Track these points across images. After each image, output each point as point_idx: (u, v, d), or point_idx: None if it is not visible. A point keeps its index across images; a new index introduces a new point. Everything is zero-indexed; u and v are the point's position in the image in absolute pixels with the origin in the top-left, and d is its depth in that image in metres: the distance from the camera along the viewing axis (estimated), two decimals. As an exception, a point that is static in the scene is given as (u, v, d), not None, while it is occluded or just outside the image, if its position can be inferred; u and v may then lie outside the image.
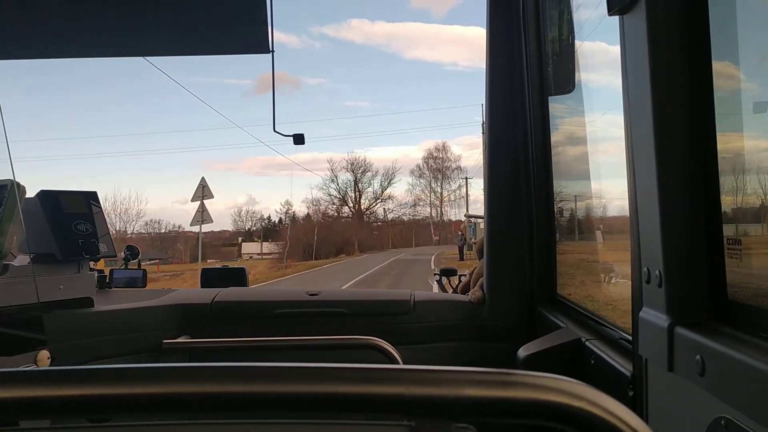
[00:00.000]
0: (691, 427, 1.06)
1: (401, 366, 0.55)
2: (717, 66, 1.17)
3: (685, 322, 1.11)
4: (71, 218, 2.50)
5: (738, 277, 1.10)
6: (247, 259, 54.71)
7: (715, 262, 1.12)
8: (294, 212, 66.26)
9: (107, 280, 3.42)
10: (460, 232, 39.50)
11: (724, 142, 1.17)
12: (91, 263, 2.73)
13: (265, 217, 69.51)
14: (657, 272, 1.17)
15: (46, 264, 2.41)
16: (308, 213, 67.50)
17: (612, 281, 2.94)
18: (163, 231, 62.83)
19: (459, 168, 72.93)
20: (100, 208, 2.66)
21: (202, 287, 3.46)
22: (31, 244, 2.43)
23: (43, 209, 2.46)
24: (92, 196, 2.66)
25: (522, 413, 0.51)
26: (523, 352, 1.98)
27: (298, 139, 2.83)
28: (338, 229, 63.21)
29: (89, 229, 2.54)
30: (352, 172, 72.02)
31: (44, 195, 2.50)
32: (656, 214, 1.16)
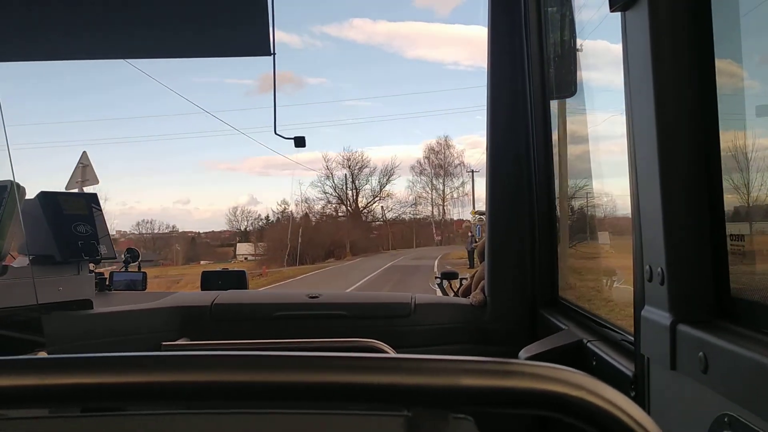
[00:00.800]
0: (694, 425, 1.04)
1: (397, 355, 0.54)
2: (720, 62, 1.16)
3: (688, 319, 1.10)
4: (71, 220, 2.50)
5: (741, 273, 1.09)
6: (242, 261, 53.06)
7: (717, 259, 1.11)
8: (291, 211, 63.19)
9: (107, 283, 3.41)
10: (470, 233, 33.97)
11: (727, 139, 1.16)
12: (91, 265, 2.72)
13: (263, 216, 67.16)
14: (659, 270, 1.16)
15: (45, 265, 2.40)
16: (306, 212, 64.54)
17: (615, 285, 2.92)
18: (156, 231, 62.39)
19: (462, 164, 68.74)
20: (101, 210, 2.66)
21: (202, 290, 3.46)
22: (30, 246, 2.43)
23: (42, 210, 2.45)
24: (92, 198, 2.66)
25: (520, 403, 0.50)
26: (524, 354, 1.96)
27: (299, 142, 2.81)
28: (328, 230, 58.68)
29: (89, 231, 2.53)
30: (349, 168, 68.02)
31: (44, 196, 2.50)
32: (658, 211, 1.15)
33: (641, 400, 1.30)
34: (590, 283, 2.91)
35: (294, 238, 44.47)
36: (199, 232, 67.80)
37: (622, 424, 0.49)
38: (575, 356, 1.81)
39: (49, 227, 2.44)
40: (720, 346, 0.97)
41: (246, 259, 53.84)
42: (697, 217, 1.14)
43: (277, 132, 2.70)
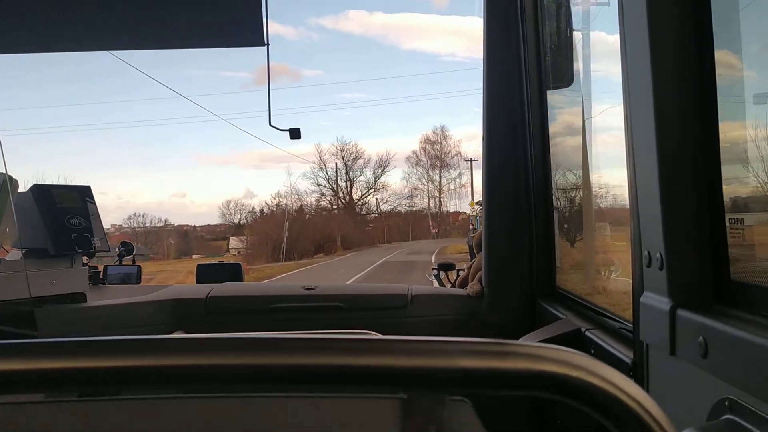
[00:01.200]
0: (694, 409, 1.04)
1: (392, 337, 0.53)
2: (719, 48, 1.15)
3: (687, 304, 1.09)
4: (64, 213, 2.48)
5: (740, 257, 1.08)
6: (234, 254, 51.19)
7: (717, 243, 1.10)
8: (286, 204, 60.55)
9: (101, 276, 3.39)
10: (471, 226, 32.75)
11: (727, 126, 1.15)
12: (85, 258, 2.70)
13: (258, 210, 64.57)
14: (658, 255, 1.15)
15: (38, 258, 2.38)
16: (300, 205, 61.96)
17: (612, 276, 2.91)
18: (148, 225, 61.23)
19: (459, 154, 65.56)
20: (95, 203, 2.64)
21: (197, 282, 3.44)
22: (23, 239, 2.41)
23: (36, 203, 2.43)
24: (86, 191, 2.64)
25: (517, 385, 0.49)
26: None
27: (294, 134, 2.79)
28: (319, 222, 56.24)
29: (82, 224, 2.51)
30: (342, 159, 65.51)
31: (37, 189, 2.48)
32: (657, 196, 1.14)
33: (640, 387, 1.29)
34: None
35: (288, 231, 43.60)
36: (194, 226, 66.78)
37: (622, 404, 0.48)
38: (573, 345, 1.80)
39: (42, 220, 2.42)
40: (720, 331, 0.96)
41: (239, 252, 53.20)
42: (696, 202, 1.12)
43: (272, 124, 2.68)
